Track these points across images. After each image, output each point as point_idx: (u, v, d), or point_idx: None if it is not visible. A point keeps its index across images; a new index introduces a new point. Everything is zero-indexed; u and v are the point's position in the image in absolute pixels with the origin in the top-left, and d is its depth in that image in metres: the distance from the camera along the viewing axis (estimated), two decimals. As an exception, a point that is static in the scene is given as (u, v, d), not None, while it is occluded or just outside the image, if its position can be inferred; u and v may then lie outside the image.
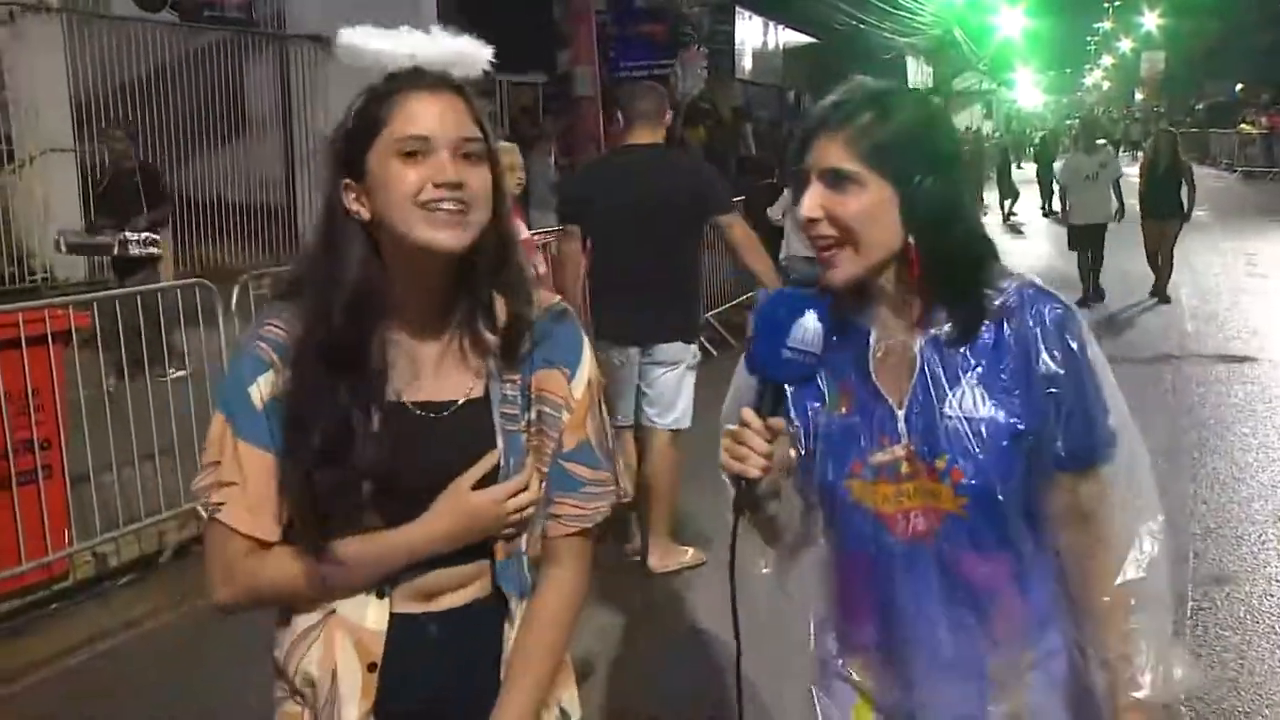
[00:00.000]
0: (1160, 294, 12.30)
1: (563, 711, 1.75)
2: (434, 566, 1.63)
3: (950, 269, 1.65)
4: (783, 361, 1.58)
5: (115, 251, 8.07)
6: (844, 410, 1.72)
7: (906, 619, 1.72)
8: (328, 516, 1.58)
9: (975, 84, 50.95)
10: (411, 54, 1.59)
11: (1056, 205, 16.81)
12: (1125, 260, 12.54)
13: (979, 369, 1.66)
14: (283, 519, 1.61)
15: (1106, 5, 70.71)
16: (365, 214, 1.57)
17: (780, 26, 29.75)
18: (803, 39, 30.94)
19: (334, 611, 1.63)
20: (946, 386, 1.66)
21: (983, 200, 28.70)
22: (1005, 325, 1.66)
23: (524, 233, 7.31)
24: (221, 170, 11.42)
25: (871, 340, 1.72)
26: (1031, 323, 1.65)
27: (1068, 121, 52.63)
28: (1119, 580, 1.69)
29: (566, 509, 1.70)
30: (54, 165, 9.62)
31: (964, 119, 50.05)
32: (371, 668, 1.62)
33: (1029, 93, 78.26)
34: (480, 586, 1.67)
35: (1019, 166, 29.24)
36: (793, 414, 1.73)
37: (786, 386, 1.62)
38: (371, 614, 1.63)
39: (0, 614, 4.87)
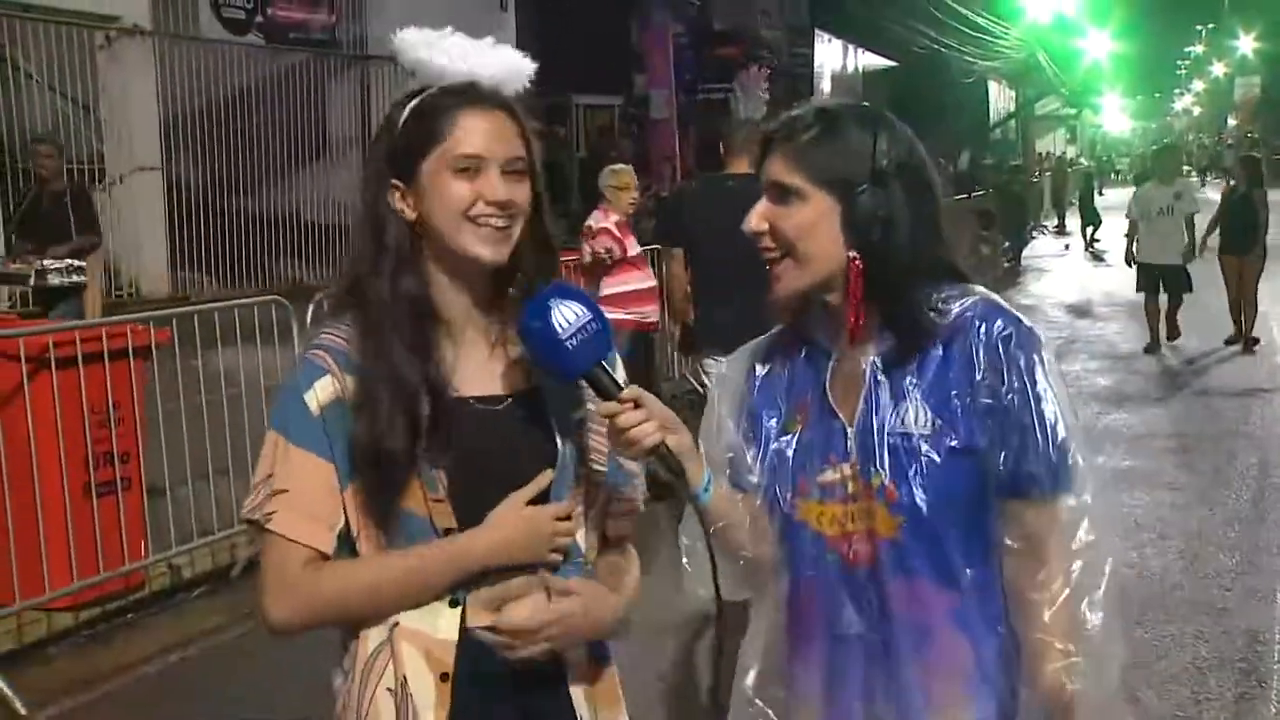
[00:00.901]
0: (1243, 340, 11.09)
1: None
2: (499, 574, 1.63)
3: (890, 283, 1.63)
4: (575, 352, 1.55)
5: (33, 282, 7.31)
6: (799, 428, 1.71)
7: (845, 650, 1.66)
8: (379, 502, 1.59)
9: (1058, 108, 50.20)
10: (468, 70, 1.65)
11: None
12: (1212, 295, 12.03)
13: (925, 386, 1.63)
14: (336, 528, 1.61)
15: (1199, 29, 69.34)
16: (410, 215, 1.64)
17: (860, 50, 29.65)
18: (883, 62, 30.80)
19: (398, 624, 1.62)
20: (892, 404, 1.64)
21: (1063, 225, 28.33)
22: (954, 342, 1.63)
23: (635, 249, 7.41)
24: (302, 190, 11.65)
25: (831, 358, 1.71)
26: (977, 339, 1.62)
27: (1154, 147, 51.61)
28: (1061, 620, 1.60)
29: (623, 504, 1.77)
30: (142, 184, 9.90)
31: (1046, 144, 49.38)
32: (444, 678, 1.62)
33: (1115, 118, 77.00)
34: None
35: (1100, 193, 28.67)
36: (750, 433, 1.74)
37: (603, 364, 1.58)
38: (442, 624, 1.62)
39: (80, 622, 5.00)
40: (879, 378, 1.65)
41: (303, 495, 1.60)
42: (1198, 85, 79.52)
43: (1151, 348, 11.07)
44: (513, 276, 1.68)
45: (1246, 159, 12.74)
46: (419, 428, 1.59)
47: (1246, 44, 60.91)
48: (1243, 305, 11.17)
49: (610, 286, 7.14)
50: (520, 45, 1.75)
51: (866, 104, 1.75)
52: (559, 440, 1.68)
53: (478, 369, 1.68)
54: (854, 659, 1.66)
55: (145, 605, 5.25)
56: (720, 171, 5.46)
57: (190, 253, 10.17)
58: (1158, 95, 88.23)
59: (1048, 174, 32.23)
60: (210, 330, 5.79)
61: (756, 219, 1.69)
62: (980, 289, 1.69)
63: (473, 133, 1.62)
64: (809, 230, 1.64)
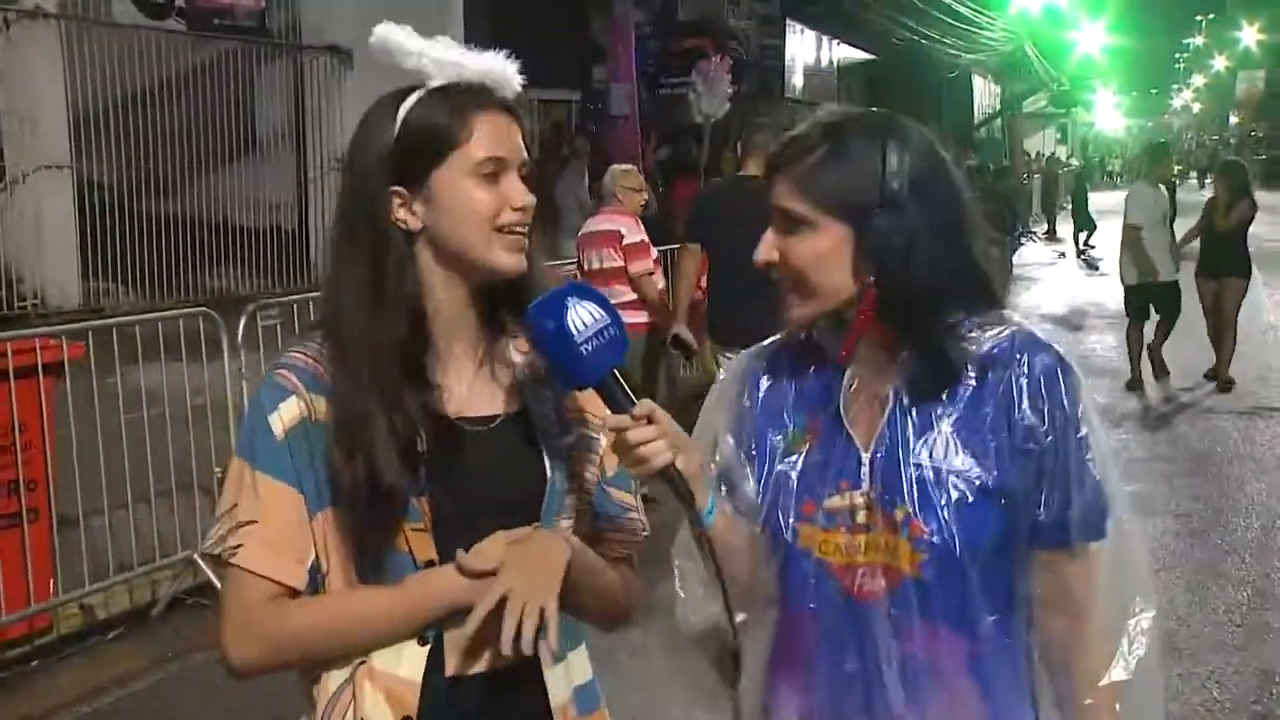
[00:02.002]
0: (1220, 379, 10.42)
1: None
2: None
3: (912, 312, 1.63)
4: (588, 358, 1.56)
5: None
6: (806, 447, 1.72)
7: (843, 686, 1.67)
8: (371, 540, 1.61)
9: (1047, 105, 50.84)
10: (458, 63, 1.65)
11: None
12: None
13: (955, 417, 1.65)
14: (307, 562, 1.63)
15: (1199, 19, 70.49)
16: (415, 225, 1.65)
17: (835, 42, 29.86)
18: (859, 55, 31.03)
19: (364, 662, 1.64)
20: (918, 432, 1.65)
21: (1054, 230, 28.62)
22: (990, 372, 1.65)
23: (654, 253, 7.72)
24: (229, 191, 11.53)
25: (846, 376, 1.72)
26: (1017, 371, 1.64)
27: (1150, 144, 52.23)
28: (1104, 681, 1.65)
29: (610, 535, 1.79)
30: (48, 183, 9.75)
31: (1035, 143, 49.95)
32: None
33: (1109, 115, 78.06)
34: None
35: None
36: (753, 450, 1.75)
37: (616, 373, 1.59)
38: (406, 663, 1.64)
39: (-22, 670, 4.91)
40: (903, 403, 1.66)
41: (270, 527, 1.61)
42: (1197, 80, 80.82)
43: (1134, 384, 10.55)
44: (509, 292, 1.69)
45: (1229, 165, 11.40)
46: (417, 460, 1.61)
47: (1249, 35, 62.00)
48: (1220, 337, 10.38)
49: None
50: (469, 33, 1.78)
51: (876, 110, 1.75)
52: (548, 465, 1.70)
53: (466, 388, 1.70)
54: (853, 696, 1.66)
55: (53, 650, 5.16)
56: (736, 172, 6.26)
57: (103, 260, 10.03)
58: (1154, 91, 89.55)
59: (1037, 176, 32.62)
60: (130, 345, 5.72)
61: (766, 249, 1.69)
62: (1015, 316, 1.71)
63: (495, 134, 1.64)
64: (819, 261, 1.65)
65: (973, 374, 1.65)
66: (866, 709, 1.66)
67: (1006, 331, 1.67)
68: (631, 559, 1.82)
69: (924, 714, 1.64)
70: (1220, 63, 72.38)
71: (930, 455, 1.63)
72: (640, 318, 7.15)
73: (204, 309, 6.17)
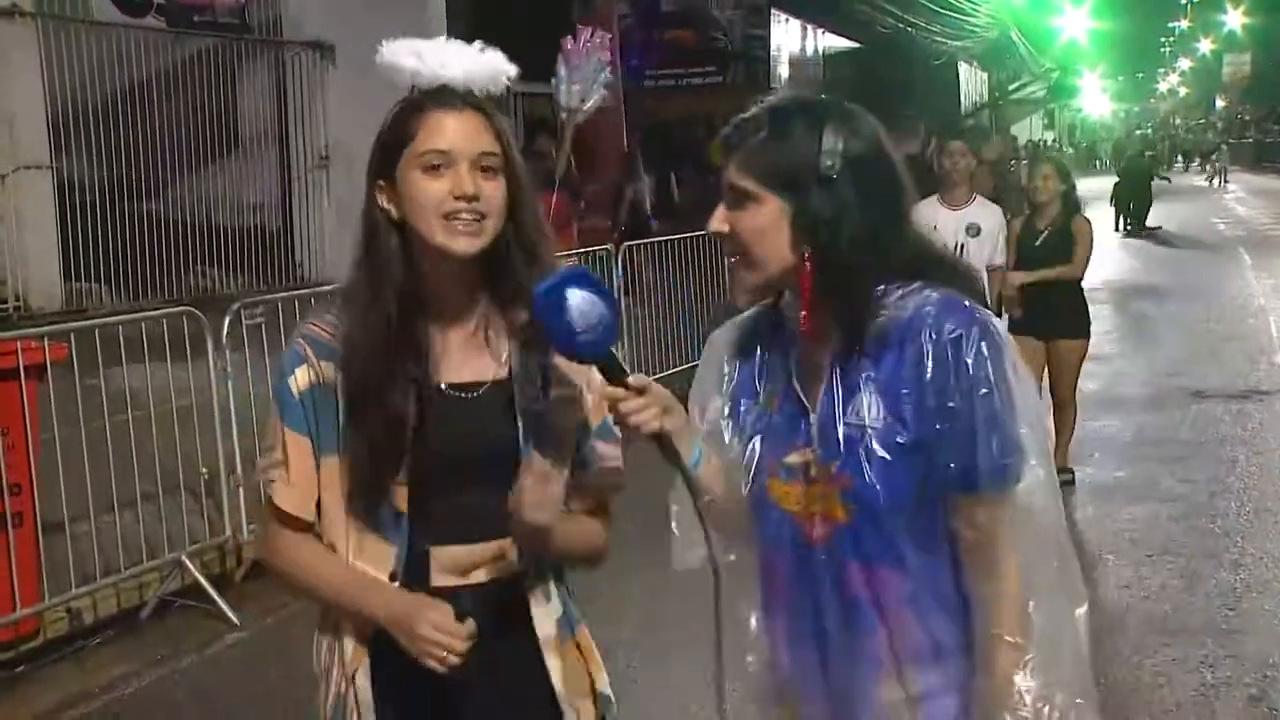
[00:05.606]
0: (1060, 467, 5.69)
1: (602, 696, 2.06)
2: (463, 541, 1.95)
3: (836, 283, 1.83)
4: (588, 344, 1.76)
5: None
6: (771, 411, 1.96)
7: (806, 621, 1.91)
8: (364, 490, 1.92)
9: (1034, 91, 50.93)
10: (442, 73, 1.90)
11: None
12: (1216, 267, 12.15)
13: (880, 381, 1.85)
14: (314, 499, 1.95)
15: (1184, 3, 70.64)
16: (395, 213, 1.92)
17: (820, 31, 29.86)
18: (845, 44, 31.03)
19: None
20: (849, 395, 1.87)
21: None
22: (908, 340, 1.83)
23: None
24: (212, 189, 11.49)
25: (798, 346, 1.94)
26: (928, 339, 1.81)
27: (1139, 131, 52.51)
28: (1013, 616, 1.79)
29: (585, 487, 2.01)
30: (28, 184, 9.71)
31: (1022, 129, 50.03)
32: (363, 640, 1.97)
33: (1096, 100, 78.21)
34: (509, 562, 1.96)
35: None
36: (731, 409, 1.99)
37: (611, 351, 1.80)
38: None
39: (-37, 676, 4.89)
40: (838, 369, 1.88)
41: (289, 468, 1.96)
42: (1184, 64, 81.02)
43: None
44: (496, 264, 1.93)
45: (1046, 164, 7.58)
46: (407, 422, 1.89)
47: (1235, 19, 62.14)
48: (1056, 412, 7.03)
49: None
50: (451, 26, 1.84)
51: (825, 96, 1.96)
52: (521, 430, 1.94)
53: (458, 357, 1.96)
54: (811, 631, 1.91)
55: (40, 655, 5.15)
56: None
57: (85, 261, 10.00)
58: (1140, 75, 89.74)
59: (1024, 163, 32.64)
60: (114, 346, 5.70)
61: (717, 221, 1.90)
62: (940, 287, 1.86)
63: (439, 130, 1.88)
64: (762, 234, 1.86)
65: (897, 341, 1.84)
66: (818, 636, 1.90)
67: (934, 298, 1.83)
68: (606, 506, 2.07)
69: (867, 642, 1.86)
70: (1206, 46, 72.59)
71: (858, 415, 1.85)
72: None
73: (188, 309, 6.16)
